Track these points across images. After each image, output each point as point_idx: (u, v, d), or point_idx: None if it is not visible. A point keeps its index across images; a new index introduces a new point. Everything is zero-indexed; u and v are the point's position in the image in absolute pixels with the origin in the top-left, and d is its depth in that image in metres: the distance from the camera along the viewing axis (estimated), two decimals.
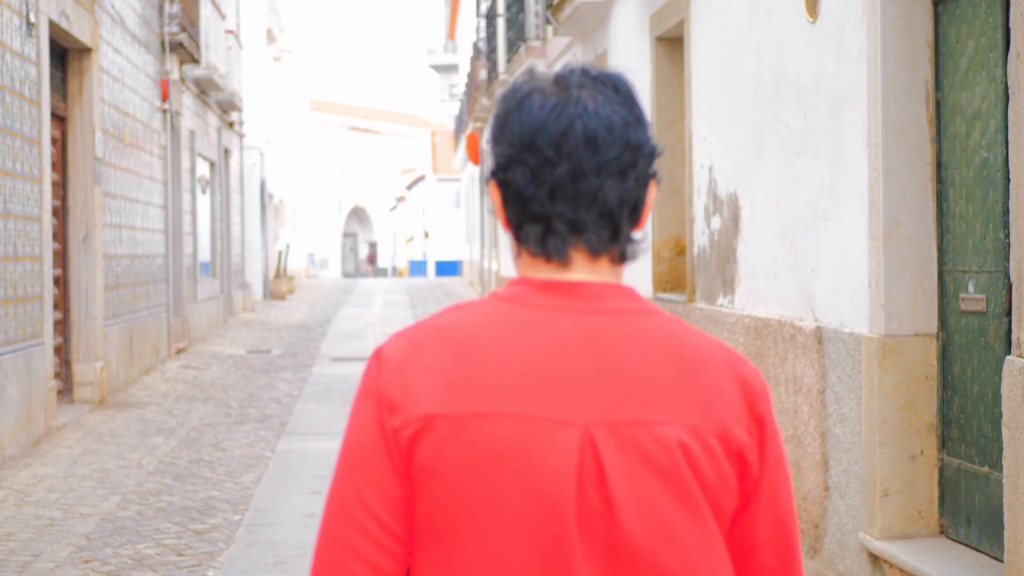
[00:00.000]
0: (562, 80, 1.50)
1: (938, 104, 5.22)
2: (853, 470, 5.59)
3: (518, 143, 1.48)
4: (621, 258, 1.53)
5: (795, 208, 6.37)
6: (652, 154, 1.51)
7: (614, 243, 1.50)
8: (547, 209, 1.47)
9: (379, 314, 24.88)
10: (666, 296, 9.13)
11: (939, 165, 5.23)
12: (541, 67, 13.20)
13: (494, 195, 1.53)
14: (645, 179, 1.50)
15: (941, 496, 5.27)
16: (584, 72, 1.51)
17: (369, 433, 1.46)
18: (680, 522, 1.43)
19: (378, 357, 1.50)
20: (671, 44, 9.34)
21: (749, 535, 1.53)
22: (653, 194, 1.53)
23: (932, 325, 5.27)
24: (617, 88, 1.50)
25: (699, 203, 8.20)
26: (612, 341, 1.46)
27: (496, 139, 1.52)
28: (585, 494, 1.41)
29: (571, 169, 1.46)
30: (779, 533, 1.54)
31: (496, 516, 1.41)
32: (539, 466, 1.41)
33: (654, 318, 1.50)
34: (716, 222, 7.81)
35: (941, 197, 5.22)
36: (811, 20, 6.04)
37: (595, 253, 1.49)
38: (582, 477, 1.41)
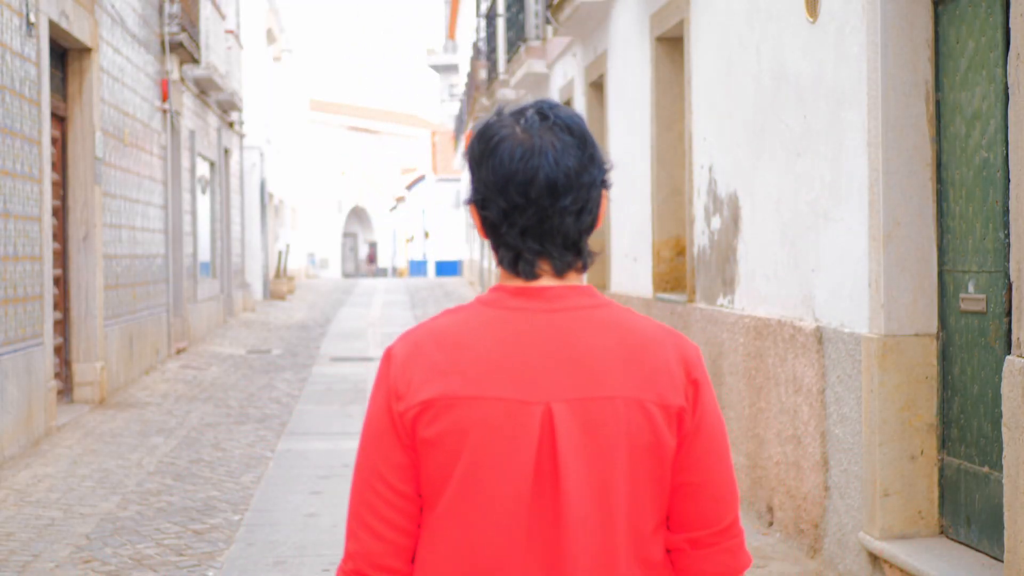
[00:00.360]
0: (527, 128, 1.82)
1: (938, 104, 5.22)
2: (853, 470, 5.58)
3: (492, 186, 1.82)
4: (583, 268, 1.89)
5: (795, 208, 6.37)
6: (604, 181, 1.87)
7: (577, 260, 1.87)
8: (518, 244, 1.84)
9: (379, 314, 24.88)
10: (666, 296, 9.13)
11: (939, 165, 5.22)
12: (541, 66, 13.22)
13: (474, 217, 1.89)
14: (598, 203, 1.86)
15: (941, 496, 5.27)
16: (543, 116, 1.83)
17: (381, 417, 1.86)
18: (618, 484, 1.80)
19: (388, 357, 1.88)
20: (671, 44, 9.34)
21: (684, 472, 1.86)
22: (606, 202, 1.89)
23: (932, 325, 5.27)
24: (571, 130, 1.83)
25: (699, 203, 8.19)
26: (570, 333, 1.83)
27: (472, 172, 1.86)
28: (541, 459, 1.78)
29: (537, 212, 1.81)
30: (712, 471, 1.87)
31: (477, 475, 1.79)
32: (508, 436, 1.79)
33: (607, 310, 1.87)
34: (716, 222, 7.81)
35: (941, 197, 5.22)
36: (811, 20, 6.04)
37: (559, 273, 1.86)
38: (541, 444, 1.79)
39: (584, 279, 1.88)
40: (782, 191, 6.56)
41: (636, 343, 1.84)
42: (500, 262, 1.88)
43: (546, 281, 1.85)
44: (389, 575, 1.86)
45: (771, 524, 6.64)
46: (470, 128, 29.09)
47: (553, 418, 1.78)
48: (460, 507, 1.81)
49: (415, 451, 1.83)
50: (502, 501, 1.79)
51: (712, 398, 1.89)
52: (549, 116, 1.83)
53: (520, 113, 1.85)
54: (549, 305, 1.84)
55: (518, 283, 1.86)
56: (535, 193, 1.80)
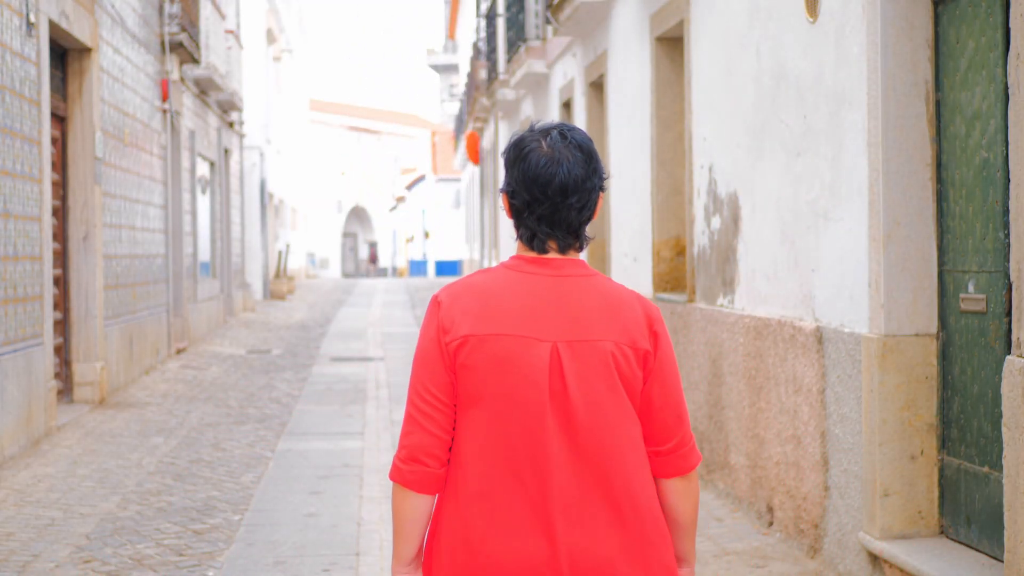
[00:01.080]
0: (551, 144, 2.53)
1: (938, 104, 5.22)
2: (853, 470, 5.58)
3: (520, 183, 2.53)
4: (580, 248, 2.63)
5: (795, 208, 6.37)
6: (601, 187, 2.57)
7: (576, 242, 2.59)
8: (534, 227, 2.55)
9: (379, 314, 24.86)
10: (666, 296, 9.12)
11: (939, 165, 5.22)
12: (541, 66, 13.22)
13: (504, 201, 2.60)
14: (596, 202, 2.56)
15: (941, 496, 5.27)
16: (564, 136, 2.54)
17: (431, 346, 2.55)
18: (605, 398, 2.50)
19: (436, 302, 2.58)
20: (671, 44, 9.34)
21: (649, 399, 2.56)
22: (602, 201, 2.61)
23: (932, 325, 5.27)
24: (582, 148, 2.54)
25: (699, 203, 8.19)
26: (568, 293, 2.53)
27: (507, 170, 2.56)
28: (552, 381, 2.49)
29: (551, 206, 2.52)
30: (669, 398, 2.57)
31: (503, 392, 2.50)
32: (526, 364, 2.49)
33: (595, 279, 2.58)
34: (716, 222, 7.81)
35: (941, 197, 5.22)
36: (811, 20, 6.04)
37: (562, 251, 2.57)
38: (552, 371, 2.49)
39: (584, 255, 2.29)
40: (782, 191, 6.56)
41: (614, 302, 2.54)
42: (520, 237, 2.59)
43: (552, 255, 2.56)
44: (432, 460, 2.54)
45: (771, 524, 6.64)
46: (471, 128, 28.90)
47: (559, 353, 2.49)
48: (498, 408, 2.49)
49: (454, 371, 2.52)
50: (531, 405, 2.48)
51: (668, 346, 2.58)
52: (568, 137, 2.53)
53: (547, 132, 2.54)
54: (554, 271, 2.55)
55: (532, 254, 2.57)
56: (551, 192, 2.50)
